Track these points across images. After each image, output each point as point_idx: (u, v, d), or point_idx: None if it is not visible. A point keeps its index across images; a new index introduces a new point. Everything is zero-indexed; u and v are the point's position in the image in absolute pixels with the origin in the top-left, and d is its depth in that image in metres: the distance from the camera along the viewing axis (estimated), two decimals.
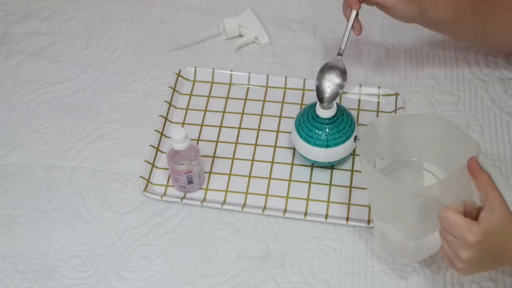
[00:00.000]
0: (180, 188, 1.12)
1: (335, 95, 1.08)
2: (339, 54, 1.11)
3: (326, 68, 1.11)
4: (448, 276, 1.02)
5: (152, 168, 1.15)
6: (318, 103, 1.08)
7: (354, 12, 1.10)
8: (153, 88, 1.26)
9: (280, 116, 1.21)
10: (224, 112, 1.22)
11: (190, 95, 1.25)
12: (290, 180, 1.13)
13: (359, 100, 1.22)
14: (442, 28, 1.17)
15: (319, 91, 1.09)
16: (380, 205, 0.99)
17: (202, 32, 1.34)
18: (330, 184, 1.12)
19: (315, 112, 1.09)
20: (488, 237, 0.85)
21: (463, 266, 0.87)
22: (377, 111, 1.20)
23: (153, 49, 1.32)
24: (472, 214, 0.87)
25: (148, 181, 1.13)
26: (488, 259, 0.87)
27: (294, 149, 1.15)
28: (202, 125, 1.21)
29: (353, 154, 1.15)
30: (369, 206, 1.09)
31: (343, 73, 1.10)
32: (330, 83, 1.10)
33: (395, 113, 1.18)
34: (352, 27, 1.11)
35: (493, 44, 1.22)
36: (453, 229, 0.86)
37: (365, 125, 1.18)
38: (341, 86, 1.10)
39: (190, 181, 1.10)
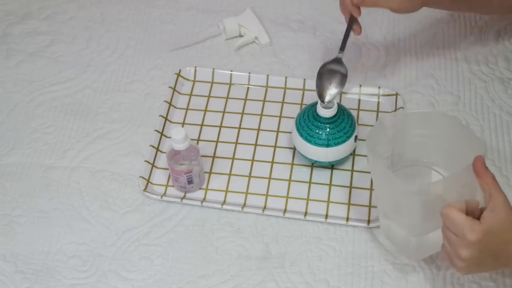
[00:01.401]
0: (180, 188, 1.12)
1: (336, 93, 1.08)
2: (340, 51, 1.11)
3: (326, 66, 1.11)
4: (448, 276, 1.02)
5: (152, 168, 1.15)
6: (319, 102, 1.08)
7: (354, 19, 1.11)
8: (153, 88, 1.26)
9: (280, 116, 1.21)
10: (224, 112, 1.22)
11: (190, 95, 1.25)
12: (290, 180, 1.13)
13: (359, 100, 1.22)
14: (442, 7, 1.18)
15: (320, 89, 1.09)
16: (385, 202, 0.99)
17: (202, 32, 1.34)
18: (330, 184, 1.12)
19: (315, 111, 1.09)
20: (489, 236, 0.85)
21: (463, 264, 0.87)
22: (377, 111, 1.20)
23: (153, 49, 1.32)
24: (475, 213, 0.87)
25: (148, 181, 1.13)
26: (488, 259, 0.87)
27: (294, 149, 1.15)
28: (202, 125, 1.21)
29: (353, 154, 1.15)
30: (369, 206, 1.09)
31: (343, 71, 1.10)
32: (331, 81, 1.10)
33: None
34: (352, 28, 1.12)
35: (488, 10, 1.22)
36: (454, 227, 0.86)
37: (365, 125, 1.18)
38: (342, 84, 1.09)
39: (190, 181, 1.10)
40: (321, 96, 1.08)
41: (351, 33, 1.12)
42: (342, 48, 1.12)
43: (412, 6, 1.09)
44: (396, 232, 1.00)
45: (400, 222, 0.98)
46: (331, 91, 1.09)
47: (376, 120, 1.19)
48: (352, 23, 1.12)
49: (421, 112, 1.06)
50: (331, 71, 1.11)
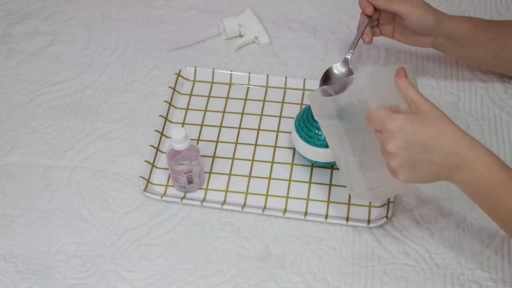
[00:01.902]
0: (180, 188, 1.12)
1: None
2: (350, 50, 1.12)
3: (332, 69, 1.12)
4: (448, 276, 1.02)
5: (152, 168, 1.15)
6: None
7: (366, 20, 1.12)
8: (153, 88, 1.26)
9: (280, 116, 1.21)
10: (224, 112, 1.22)
11: (190, 95, 1.25)
12: (290, 180, 1.13)
13: None
14: (459, 46, 1.14)
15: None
16: (339, 156, 0.99)
17: (202, 32, 1.34)
18: (330, 184, 1.12)
19: None
20: (412, 126, 0.85)
21: (395, 163, 0.87)
22: None
23: (153, 49, 1.32)
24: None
25: (148, 181, 1.13)
26: (420, 155, 0.86)
27: (294, 149, 1.15)
28: (202, 125, 1.21)
29: None
30: (369, 206, 1.09)
31: (348, 74, 1.11)
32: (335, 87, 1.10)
33: None
34: (362, 33, 1.12)
35: (508, 66, 1.19)
36: (376, 123, 0.86)
37: None
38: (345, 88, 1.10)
39: (190, 181, 1.10)
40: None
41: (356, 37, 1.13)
42: (352, 47, 1.12)
43: (422, 16, 1.10)
44: (351, 173, 0.98)
45: (347, 157, 0.97)
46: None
47: None
48: (365, 25, 1.12)
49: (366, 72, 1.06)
50: (336, 74, 1.11)
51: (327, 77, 1.15)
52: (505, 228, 0.91)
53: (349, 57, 1.14)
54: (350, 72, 1.14)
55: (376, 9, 1.11)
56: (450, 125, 0.87)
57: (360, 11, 1.13)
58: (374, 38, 1.14)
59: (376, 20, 1.14)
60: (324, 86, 0.98)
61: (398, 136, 0.85)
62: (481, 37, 1.12)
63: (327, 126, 0.98)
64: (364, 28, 1.12)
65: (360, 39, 1.13)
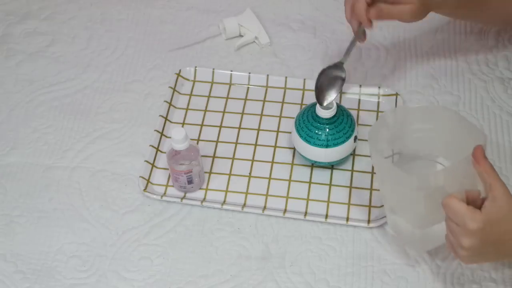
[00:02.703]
0: (180, 188, 1.12)
1: (334, 98, 1.08)
2: (341, 62, 1.11)
3: (325, 71, 1.11)
4: (448, 276, 1.02)
5: (152, 168, 1.15)
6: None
7: (362, 28, 1.11)
8: (153, 88, 1.26)
9: (280, 116, 1.21)
10: (224, 112, 1.22)
11: (190, 95, 1.25)
12: (290, 180, 1.13)
13: (359, 100, 1.22)
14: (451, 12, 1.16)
15: (318, 94, 1.09)
16: (390, 197, 1.00)
17: (202, 32, 1.34)
18: (330, 184, 1.12)
19: (315, 112, 1.09)
20: (490, 225, 0.85)
21: (465, 254, 0.88)
22: (377, 111, 1.20)
23: (153, 49, 1.32)
24: (476, 203, 0.87)
25: (148, 181, 1.13)
26: (490, 248, 0.87)
27: (294, 149, 1.15)
28: (202, 125, 1.21)
29: (353, 154, 1.15)
30: (369, 206, 1.09)
31: (342, 76, 1.10)
32: (330, 85, 1.10)
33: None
34: (359, 37, 1.12)
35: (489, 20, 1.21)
36: (455, 216, 0.86)
37: (365, 125, 1.18)
38: (340, 88, 1.10)
39: (190, 181, 1.10)
40: (318, 99, 1.08)
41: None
42: (346, 56, 1.11)
43: (421, 14, 1.09)
44: (401, 225, 1.00)
45: (405, 215, 0.99)
46: (329, 96, 1.09)
47: (376, 120, 1.19)
48: (360, 33, 1.11)
49: (422, 107, 1.06)
50: (330, 75, 1.11)
51: (318, 79, 1.13)
52: None
53: (343, 62, 1.12)
54: (344, 75, 1.11)
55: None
56: None
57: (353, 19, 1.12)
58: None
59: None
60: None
61: (476, 237, 0.86)
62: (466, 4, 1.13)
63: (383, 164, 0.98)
64: (359, 33, 1.11)
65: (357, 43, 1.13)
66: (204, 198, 1.12)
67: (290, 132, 1.15)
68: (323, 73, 1.11)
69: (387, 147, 1.04)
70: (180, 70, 1.26)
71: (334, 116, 1.08)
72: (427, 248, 1.03)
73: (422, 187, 0.92)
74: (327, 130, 1.08)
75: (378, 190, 1.09)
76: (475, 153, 0.88)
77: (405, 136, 1.04)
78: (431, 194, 0.91)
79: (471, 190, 0.88)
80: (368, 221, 1.07)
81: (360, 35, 1.11)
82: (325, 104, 1.08)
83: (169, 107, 1.22)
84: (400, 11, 1.07)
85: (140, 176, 1.13)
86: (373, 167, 1.12)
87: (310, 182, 1.13)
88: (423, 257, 1.04)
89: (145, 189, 1.12)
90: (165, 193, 1.12)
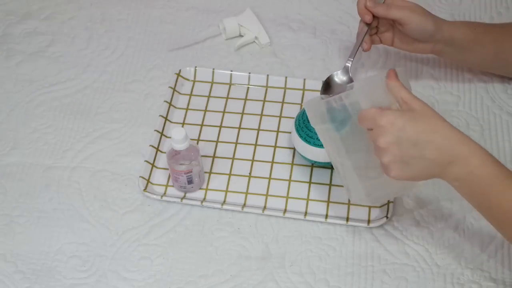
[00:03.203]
0: (180, 188, 1.12)
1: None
2: (350, 58, 1.12)
3: (333, 77, 1.12)
4: (448, 276, 1.02)
5: (152, 168, 1.15)
6: None
7: (366, 28, 1.12)
8: (153, 88, 1.26)
9: (280, 116, 1.21)
10: (224, 112, 1.22)
11: (190, 95, 1.25)
12: (290, 180, 1.13)
13: None
14: (459, 50, 1.14)
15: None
16: (333, 150, 0.98)
17: (202, 32, 1.34)
18: (330, 184, 1.12)
19: None
20: (403, 122, 0.85)
21: (387, 158, 0.87)
22: None
23: (153, 49, 1.32)
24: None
25: (148, 181, 1.13)
26: (412, 150, 0.86)
27: (294, 149, 1.15)
28: (202, 125, 1.21)
29: None
30: (369, 206, 1.09)
31: (349, 82, 1.11)
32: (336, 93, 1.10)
33: None
34: (362, 41, 1.12)
35: (508, 68, 1.18)
36: (368, 121, 0.87)
37: None
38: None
39: (190, 181, 1.10)
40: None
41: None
42: (352, 56, 1.12)
43: (421, 22, 1.10)
44: (350, 178, 0.98)
45: (343, 162, 0.97)
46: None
47: None
48: (364, 33, 1.12)
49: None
50: (336, 82, 1.11)
51: (328, 85, 1.15)
52: (500, 227, 0.91)
53: (349, 65, 1.14)
54: (350, 80, 1.14)
55: (375, 16, 1.11)
56: (441, 122, 0.87)
57: (359, 18, 1.13)
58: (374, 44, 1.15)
59: (375, 27, 1.15)
60: (321, 95, 0.99)
61: (389, 131, 0.86)
62: (480, 41, 1.12)
63: (322, 131, 0.98)
64: (364, 36, 1.12)
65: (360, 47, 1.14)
66: (204, 198, 1.12)
67: (290, 132, 1.15)
68: (329, 80, 1.11)
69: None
70: (180, 70, 1.26)
71: None
72: (380, 201, 1.03)
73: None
74: None
75: None
76: (388, 72, 0.89)
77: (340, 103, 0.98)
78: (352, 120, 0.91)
79: (385, 106, 0.88)
80: (368, 221, 1.07)
81: (363, 35, 1.12)
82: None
83: (169, 107, 1.22)
84: (400, 9, 1.09)
85: (140, 176, 1.13)
86: None
87: (310, 182, 1.13)
88: (423, 257, 1.04)
89: (145, 189, 1.12)
90: (165, 193, 1.12)
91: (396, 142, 0.86)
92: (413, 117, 0.86)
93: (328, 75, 1.16)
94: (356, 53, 1.14)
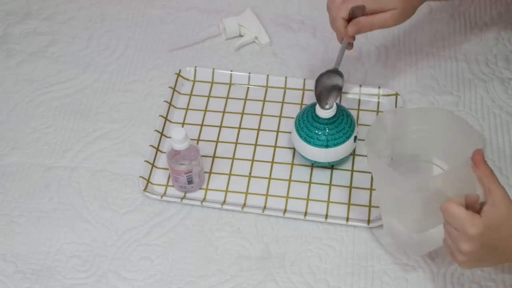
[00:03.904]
0: (180, 188, 1.12)
1: (334, 98, 1.08)
2: (336, 66, 1.11)
3: (323, 75, 1.11)
4: (448, 276, 1.02)
5: (152, 168, 1.15)
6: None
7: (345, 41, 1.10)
8: (153, 88, 1.26)
9: (280, 116, 1.21)
10: (224, 112, 1.22)
11: (190, 95, 1.25)
12: (290, 180, 1.13)
13: (359, 100, 1.22)
14: None
15: (319, 97, 1.09)
16: (386, 199, 1.00)
17: (202, 32, 1.34)
18: (330, 184, 1.12)
19: (315, 112, 1.09)
20: (489, 230, 0.85)
21: (464, 259, 0.87)
22: (377, 111, 1.20)
23: (153, 49, 1.32)
24: (475, 207, 0.87)
25: (148, 181, 1.13)
26: (489, 253, 0.87)
27: (294, 149, 1.15)
28: (202, 125, 1.21)
29: (353, 154, 1.15)
30: (369, 206, 1.09)
31: (339, 84, 1.10)
32: (330, 87, 1.09)
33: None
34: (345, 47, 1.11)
35: None
36: (454, 221, 0.86)
37: (366, 125, 1.18)
38: (339, 90, 1.10)
39: (190, 181, 1.10)
40: (319, 101, 1.08)
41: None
42: (338, 64, 1.10)
43: (406, 16, 1.07)
44: (398, 229, 1.00)
45: (401, 219, 0.99)
46: (330, 99, 1.08)
47: None
48: (345, 43, 1.10)
49: (420, 108, 1.06)
50: (329, 77, 1.10)
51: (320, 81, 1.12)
52: None
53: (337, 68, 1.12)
54: (341, 74, 1.11)
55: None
56: None
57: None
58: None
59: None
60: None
61: (476, 242, 0.86)
62: None
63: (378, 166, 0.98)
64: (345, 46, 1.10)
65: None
66: (204, 198, 1.12)
67: (290, 132, 1.15)
68: (320, 78, 1.10)
69: (384, 149, 1.04)
70: (180, 70, 1.26)
71: (334, 116, 1.08)
72: (424, 252, 1.02)
73: (420, 190, 0.91)
74: (327, 130, 1.08)
75: None
76: (474, 157, 0.88)
77: (402, 137, 1.04)
78: (429, 198, 0.91)
79: (470, 195, 0.87)
80: (368, 221, 1.07)
81: (345, 45, 1.09)
82: (327, 107, 1.08)
83: (169, 107, 1.22)
84: (382, 19, 1.05)
85: (140, 176, 1.13)
86: None
87: (310, 182, 1.13)
88: (423, 258, 1.04)
89: (145, 189, 1.12)
90: (165, 193, 1.12)
91: (479, 250, 0.86)
92: (498, 225, 0.85)
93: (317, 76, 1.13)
94: (341, 59, 1.11)
